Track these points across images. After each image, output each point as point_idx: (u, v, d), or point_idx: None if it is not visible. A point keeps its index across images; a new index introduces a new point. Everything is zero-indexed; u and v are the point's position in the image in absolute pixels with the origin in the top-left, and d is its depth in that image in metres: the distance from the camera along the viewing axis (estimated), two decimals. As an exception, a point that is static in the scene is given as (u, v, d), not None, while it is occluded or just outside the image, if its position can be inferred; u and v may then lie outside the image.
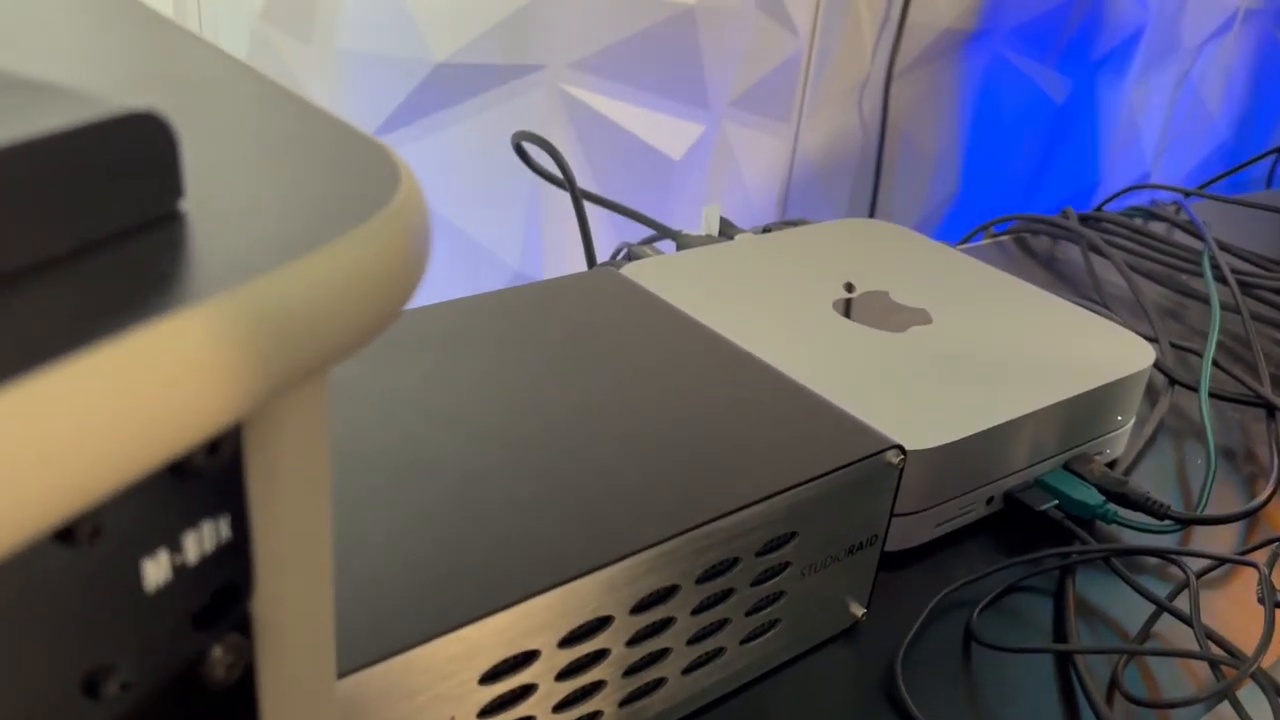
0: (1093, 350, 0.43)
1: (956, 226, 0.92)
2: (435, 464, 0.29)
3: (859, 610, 0.35)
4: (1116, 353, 0.43)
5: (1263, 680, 0.31)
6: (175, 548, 0.14)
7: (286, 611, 0.17)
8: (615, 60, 0.67)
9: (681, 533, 0.27)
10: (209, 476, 0.14)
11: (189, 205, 0.15)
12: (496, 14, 0.62)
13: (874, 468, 0.32)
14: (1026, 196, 0.98)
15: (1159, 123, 1.06)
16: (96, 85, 0.19)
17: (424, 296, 0.67)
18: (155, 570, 0.14)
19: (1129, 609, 0.37)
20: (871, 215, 0.85)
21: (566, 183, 0.51)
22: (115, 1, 0.24)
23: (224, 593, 0.15)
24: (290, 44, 0.56)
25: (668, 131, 0.72)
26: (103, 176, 0.14)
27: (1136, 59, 0.98)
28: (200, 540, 0.14)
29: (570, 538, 0.27)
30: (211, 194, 0.15)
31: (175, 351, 0.12)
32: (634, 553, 0.27)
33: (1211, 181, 0.82)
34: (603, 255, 0.57)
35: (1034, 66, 0.91)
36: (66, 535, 0.12)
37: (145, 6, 0.24)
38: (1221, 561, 0.36)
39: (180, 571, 0.14)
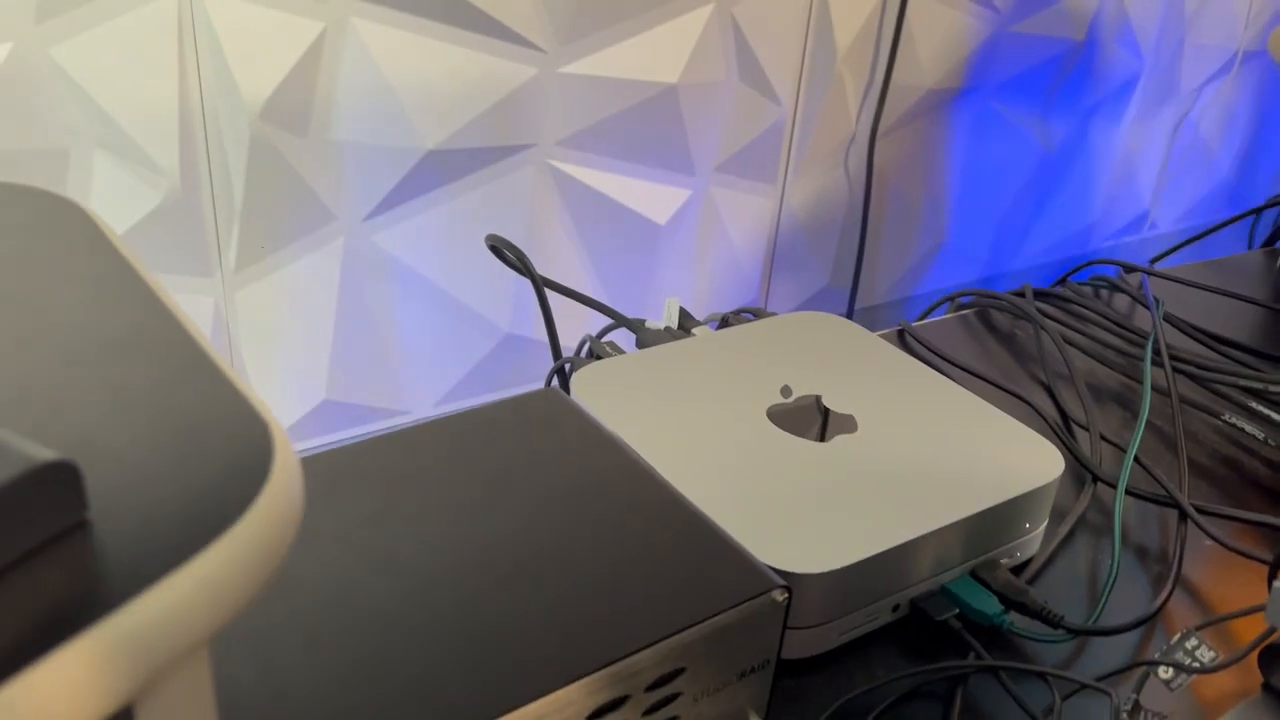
0: (1003, 462, 0.46)
1: (945, 275, 0.95)
2: (346, 610, 0.33)
3: (756, 721, 0.39)
4: (1026, 464, 0.47)
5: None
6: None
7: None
8: (602, 136, 0.71)
9: (569, 682, 0.32)
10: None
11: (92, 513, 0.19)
12: (485, 101, 0.66)
13: (760, 606, 0.36)
14: (1020, 243, 1.01)
15: (1157, 165, 1.07)
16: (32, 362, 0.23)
17: (429, 361, 0.71)
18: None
19: None
20: (858, 268, 0.88)
21: (530, 278, 0.55)
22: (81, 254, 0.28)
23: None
24: (288, 139, 0.61)
25: (654, 198, 0.76)
26: (25, 509, 0.18)
27: (1132, 104, 1.00)
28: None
29: (463, 689, 0.31)
30: (109, 498, 0.20)
31: (56, 680, 0.17)
32: (521, 705, 0.31)
33: (1188, 242, 0.84)
34: (580, 329, 0.61)
35: (1024, 117, 0.93)
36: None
37: (103, 252, 0.28)
38: (1081, 686, 0.39)
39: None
